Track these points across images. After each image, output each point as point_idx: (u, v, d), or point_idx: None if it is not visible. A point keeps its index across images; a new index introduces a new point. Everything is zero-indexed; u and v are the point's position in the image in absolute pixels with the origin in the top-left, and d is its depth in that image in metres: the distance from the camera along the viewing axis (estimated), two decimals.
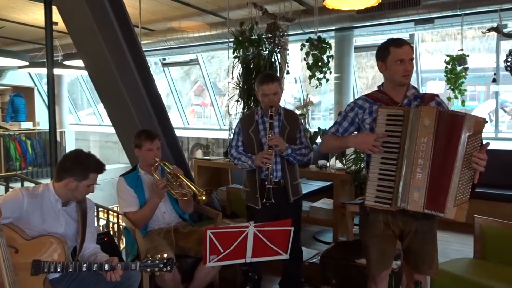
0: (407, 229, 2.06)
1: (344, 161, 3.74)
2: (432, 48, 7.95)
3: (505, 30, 4.99)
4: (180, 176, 2.75)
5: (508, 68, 4.51)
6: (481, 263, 2.62)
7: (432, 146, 1.88)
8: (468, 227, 2.75)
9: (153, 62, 9.73)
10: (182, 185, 2.75)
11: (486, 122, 1.89)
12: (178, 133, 8.89)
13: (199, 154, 4.94)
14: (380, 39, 6.04)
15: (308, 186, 4.43)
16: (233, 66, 4.00)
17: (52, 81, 4.17)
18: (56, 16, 3.91)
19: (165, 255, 2.11)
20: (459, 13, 4.69)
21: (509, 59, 4.49)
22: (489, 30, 4.52)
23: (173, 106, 9.78)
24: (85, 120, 12.14)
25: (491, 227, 2.64)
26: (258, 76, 2.77)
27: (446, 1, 4.51)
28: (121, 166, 8.77)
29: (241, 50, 3.93)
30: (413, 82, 6.66)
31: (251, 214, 2.78)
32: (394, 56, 2.01)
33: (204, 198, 2.67)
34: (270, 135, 2.58)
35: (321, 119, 8.33)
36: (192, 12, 5.83)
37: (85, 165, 2.14)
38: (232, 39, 4.13)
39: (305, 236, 4.39)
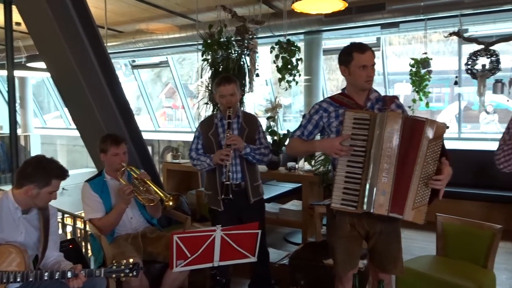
0: (372, 230, 2.10)
1: (313, 163, 3.79)
2: (399, 51, 8.18)
3: (465, 35, 5.18)
4: (147, 182, 2.71)
5: (469, 71, 4.69)
6: (443, 259, 2.70)
7: (397, 151, 1.92)
8: (432, 225, 2.83)
9: (122, 64, 9.56)
10: (149, 191, 2.71)
11: (447, 127, 1.93)
12: (148, 136, 8.77)
13: (169, 157, 4.89)
14: (349, 42, 6.14)
15: (278, 188, 4.47)
16: (202, 69, 3.98)
17: (12, 83, 4.06)
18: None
19: (131, 260, 2.08)
20: (422, 17, 4.85)
21: (469, 63, 4.66)
22: (451, 34, 4.69)
23: (144, 108, 9.64)
24: (51, 124, 11.77)
25: (452, 224, 2.73)
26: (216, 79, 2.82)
27: (410, 6, 4.64)
28: (89, 170, 8.55)
29: (210, 52, 3.92)
30: (380, 84, 6.76)
31: (213, 217, 2.80)
32: (357, 62, 2.06)
33: (171, 203, 2.66)
34: (228, 134, 2.63)
35: (292, 121, 8.40)
36: (161, 14, 5.77)
37: (47, 171, 2.07)
38: (201, 42, 4.11)
39: (276, 238, 4.42)
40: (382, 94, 2.22)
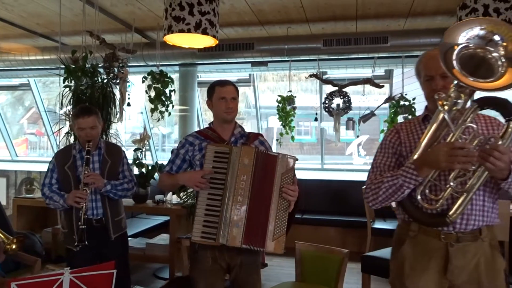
0: (233, 263, 2.15)
1: (181, 195, 3.76)
2: (273, 87, 8.83)
3: (324, 77, 5.82)
4: None
5: (326, 109, 5.24)
6: (300, 285, 2.87)
7: (250, 184, 2.01)
8: (294, 252, 3.01)
9: None
10: None
11: (297, 159, 2.11)
12: (4, 166, 7.73)
13: (23, 191, 4.37)
14: (224, 76, 6.41)
15: (147, 222, 4.31)
16: (62, 96, 3.69)
17: None
18: None
19: None
20: (286, 59, 5.30)
21: (326, 102, 5.22)
22: (311, 76, 5.21)
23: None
24: None
25: (308, 251, 2.93)
26: (74, 109, 2.66)
27: (276, 48, 5.04)
28: None
29: (73, 79, 3.67)
30: (253, 117, 7.03)
31: (70, 257, 2.59)
32: (218, 94, 2.20)
33: (14, 247, 2.37)
34: (86, 172, 2.48)
35: (168, 151, 8.29)
36: (19, 33, 5.24)
37: None
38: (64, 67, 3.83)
39: (145, 274, 4.22)
40: (255, 126, 2.36)
